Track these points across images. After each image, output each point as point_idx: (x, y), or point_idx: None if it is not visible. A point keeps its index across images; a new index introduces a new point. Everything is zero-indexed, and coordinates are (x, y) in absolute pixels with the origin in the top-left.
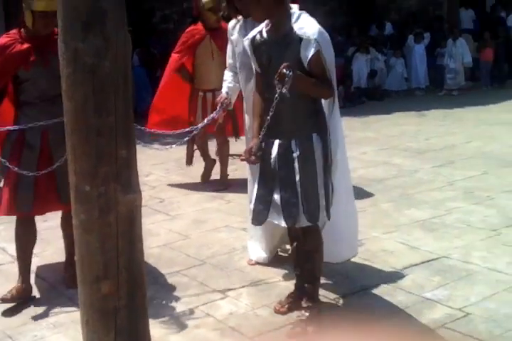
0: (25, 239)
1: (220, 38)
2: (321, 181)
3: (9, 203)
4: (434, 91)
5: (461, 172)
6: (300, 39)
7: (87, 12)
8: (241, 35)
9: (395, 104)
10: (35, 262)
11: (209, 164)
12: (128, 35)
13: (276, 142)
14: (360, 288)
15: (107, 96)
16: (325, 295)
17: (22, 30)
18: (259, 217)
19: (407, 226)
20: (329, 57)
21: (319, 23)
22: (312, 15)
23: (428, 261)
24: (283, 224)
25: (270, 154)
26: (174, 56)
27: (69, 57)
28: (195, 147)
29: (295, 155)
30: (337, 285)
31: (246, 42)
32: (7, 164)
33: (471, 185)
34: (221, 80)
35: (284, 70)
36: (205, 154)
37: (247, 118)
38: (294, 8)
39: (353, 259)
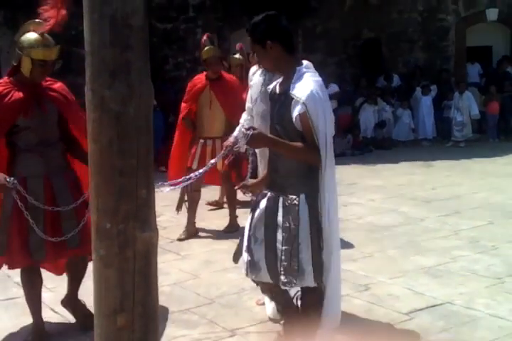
0: (34, 285)
1: (220, 88)
2: (304, 245)
3: (23, 253)
4: (441, 143)
5: (467, 222)
6: (292, 98)
7: (113, 62)
8: (259, 82)
9: (402, 154)
10: (49, 297)
11: (190, 218)
12: (151, 84)
13: (268, 194)
14: (367, 330)
15: (130, 140)
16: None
17: (13, 77)
18: (252, 269)
19: (413, 273)
20: (320, 119)
21: (328, 74)
22: (322, 66)
23: (432, 306)
24: (269, 280)
25: (259, 205)
26: (182, 105)
27: (96, 104)
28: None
29: (279, 218)
30: (344, 327)
31: (267, 91)
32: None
33: (477, 235)
34: (220, 129)
35: (244, 129)
36: (192, 207)
37: (260, 163)
38: (305, 64)
39: (359, 302)
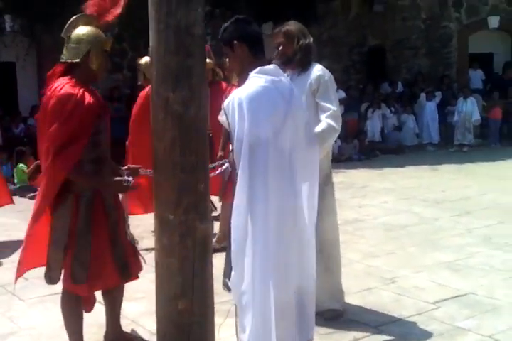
0: (79, 315)
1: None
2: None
3: (114, 273)
4: (445, 147)
5: (479, 221)
6: None
7: (177, 68)
8: None
9: (408, 158)
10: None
11: None
12: (208, 88)
13: None
14: (398, 318)
15: (191, 139)
16: (366, 322)
17: (73, 76)
18: None
19: (434, 267)
20: (237, 125)
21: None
22: (330, 72)
23: (457, 296)
24: None
25: None
26: None
27: (161, 105)
28: None
29: None
30: (376, 315)
31: None
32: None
33: (489, 233)
34: None
35: None
36: None
37: None
38: (259, 68)
39: (388, 293)
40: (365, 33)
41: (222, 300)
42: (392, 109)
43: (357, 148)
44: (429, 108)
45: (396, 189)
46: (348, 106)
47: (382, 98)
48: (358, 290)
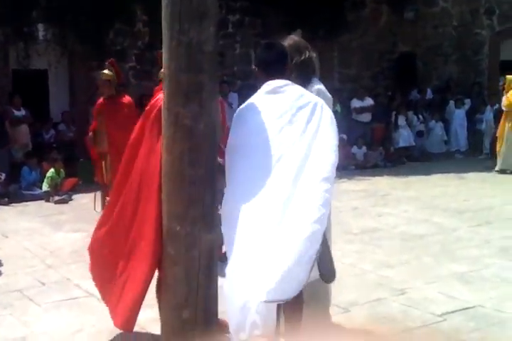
0: None
1: None
2: None
3: None
4: (474, 155)
5: (498, 232)
6: None
7: (188, 84)
8: None
9: (434, 166)
10: None
11: None
12: (218, 103)
13: None
14: (405, 329)
15: (200, 152)
16: (370, 333)
17: None
18: None
19: (446, 278)
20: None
21: (363, 87)
22: (357, 79)
23: (464, 309)
24: None
25: None
26: None
27: (171, 120)
28: None
29: None
30: (382, 326)
31: None
32: None
33: (507, 244)
34: None
35: None
36: None
37: None
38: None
39: (396, 304)
40: (395, 40)
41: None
42: (420, 116)
43: (383, 155)
44: (458, 115)
45: (419, 197)
46: (376, 113)
47: (411, 104)
48: (366, 300)
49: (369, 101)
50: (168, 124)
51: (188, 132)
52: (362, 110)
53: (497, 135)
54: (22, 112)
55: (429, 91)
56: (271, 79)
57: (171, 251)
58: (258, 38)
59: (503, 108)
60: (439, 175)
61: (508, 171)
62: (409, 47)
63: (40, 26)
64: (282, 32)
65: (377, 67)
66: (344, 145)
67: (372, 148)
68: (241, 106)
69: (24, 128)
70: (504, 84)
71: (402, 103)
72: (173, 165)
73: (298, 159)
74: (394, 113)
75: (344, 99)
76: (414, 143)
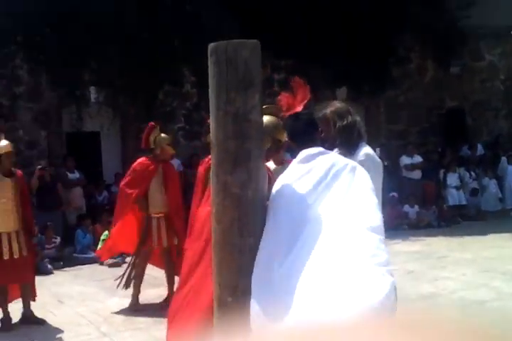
0: None
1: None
2: None
3: None
4: None
5: None
6: None
7: (235, 152)
8: None
9: (490, 225)
10: None
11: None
12: (265, 170)
13: None
14: None
15: (249, 220)
16: None
17: None
18: None
19: None
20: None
21: (411, 143)
22: (405, 135)
23: None
24: None
25: None
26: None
27: (219, 188)
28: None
29: None
30: None
31: None
32: None
33: None
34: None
35: None
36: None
37: None
38: (298, 156)
39: None
40: (442, 95)
41: None
42: (472, 173)
43: (436, 214)
44: (511, 172)
45: (476, 259)
46: (426, 170)
47: (461, 161)
48: None
49: (418, 159)
50: (216, 192)
51: (237, 200)
52: (413, 167)
53: None
54: (76, 175)
55: (479, 147)
56: (303, 148)
57: (224, 323)
58: None
59: None
60: (495, 235)
61: None
62: (456, 102)
63: (92, 89)
64: (328, 89)
65: (425, 122)
66: (395, 204)
67: (424, 206)
68: (277, 179)
69: (78, 191)
70: None
71: (453, 160)
72: (223, 234)
73: (338, 225)
74: (443, 170)
75: (392, 155)
76: (465, 202)
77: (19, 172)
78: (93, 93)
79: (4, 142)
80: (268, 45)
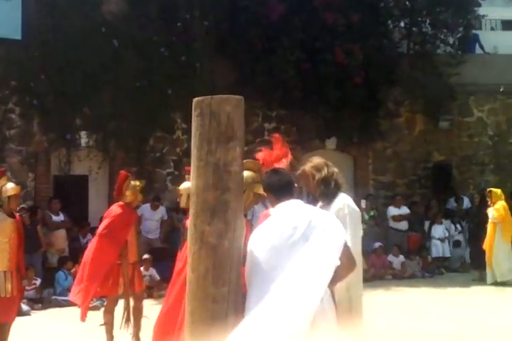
0: None
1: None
2: None
3: None
4: None
5: None
6: None
7: (214, 202)
8: None
9: (473, 277)
10: None
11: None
12: (244, 220)
13: None
14: None
15: (224, 270)
16: None
17: None
18: None
19: None
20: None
21: (398, 195)
22: (392, 187)
23: None
24: None
25: None
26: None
27: (196, 237)
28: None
29: None
30: None
31: None
32: None
33: None
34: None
35: None
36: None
37: None
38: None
39: None
40: (430, 148)
41: None
42: (458, 225)
43: (420, 264)
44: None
45: (459, 312)
46: (412, 221)
47: (448, 213)
48: None
49: (405, 210)
50: (193, 241)
51: (212, 250)
52: (400, 218)
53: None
54: (60, 217)
55: (466, 200)
56: (281, 202)
57: None
58: (293, 144)
59: (494, 220)
60: (478, 287)
61: None
62: (444, 156)
63: (83, 133)
64: (317, 139)
65: (412, 175)
66: (380, 254)
67: (409, 257)
68: (254, 231)
69: (61, 233)
70: (490, 197)
71: (438, 212)
72: (197, 283)
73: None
74: (428, 222)
75: (380, 206)
76: (449, 254)
77: (16, 214)
78: (84, 137)
79: (11, 184)
80: (261, 96)
